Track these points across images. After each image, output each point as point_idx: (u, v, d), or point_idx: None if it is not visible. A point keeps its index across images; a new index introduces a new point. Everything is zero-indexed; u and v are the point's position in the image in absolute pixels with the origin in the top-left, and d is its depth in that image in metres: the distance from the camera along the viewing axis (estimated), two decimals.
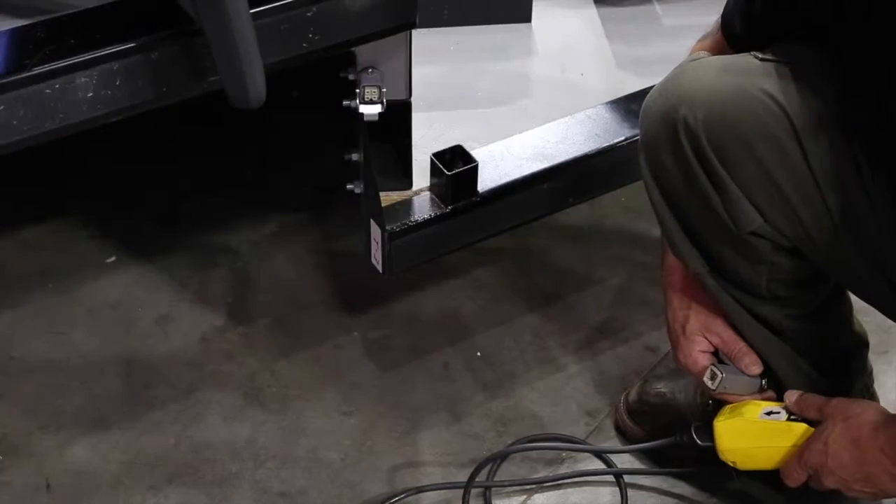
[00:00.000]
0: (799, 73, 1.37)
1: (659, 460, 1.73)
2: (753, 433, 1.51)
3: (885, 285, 1.43)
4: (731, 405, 1.55)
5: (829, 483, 1.44)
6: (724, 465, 1.55)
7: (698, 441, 1.56)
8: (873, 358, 1.70)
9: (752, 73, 1.38)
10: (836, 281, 1.53)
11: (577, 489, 1.72)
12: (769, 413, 1.51)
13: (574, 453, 1.75)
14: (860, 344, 1.66)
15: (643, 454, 1.73)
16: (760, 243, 1.43)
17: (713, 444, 1.54)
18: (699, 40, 1.55)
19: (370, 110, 1.63)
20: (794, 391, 1.50)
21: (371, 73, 1.58)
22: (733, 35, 1.46)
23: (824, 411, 1.45)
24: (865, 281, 1.44)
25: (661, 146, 1.41)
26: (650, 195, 1.47)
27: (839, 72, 1.37)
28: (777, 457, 1.50)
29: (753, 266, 1.47)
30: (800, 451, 1.46)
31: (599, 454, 1.74)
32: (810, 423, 1.47)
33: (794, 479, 1.48)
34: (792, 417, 1.49)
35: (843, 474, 1.41)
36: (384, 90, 1.62)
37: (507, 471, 1.73)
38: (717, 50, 1.49)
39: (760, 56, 1.39)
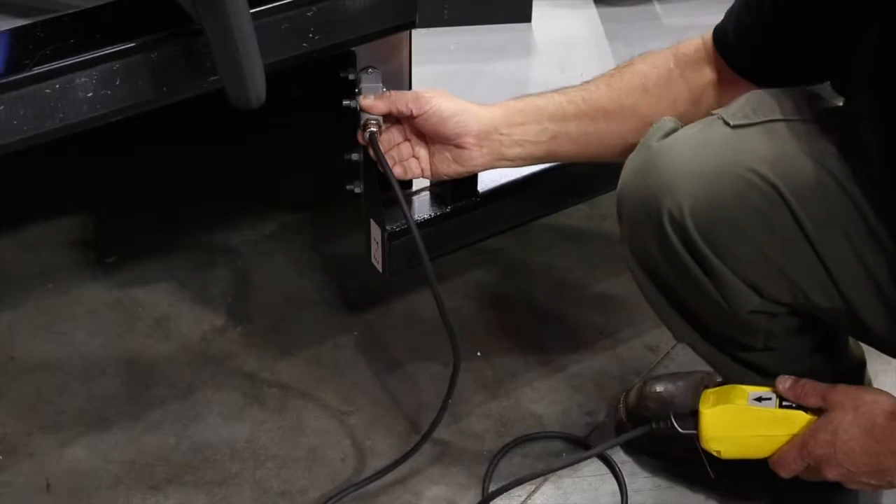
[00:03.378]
0: (778, 133, 1.33)
1: (659, 460, 1.73)
2: (744, 421, 1.42)
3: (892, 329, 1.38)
4: (713, 389, 1.47)
5: (832, 475, 1.37)
6: (705, 453, 1.47)
7: (679, 429, 1.46)
8: (873, 358, 1.69)
9: (729, 147, 1.33)
10: (836, 328, 1.49)
11: (577, 489, 1.72)
12: (759, 399, 1.42)
13: (574, 453, 1.75)
14: (858, 365, 1.63)
15: (643, 454, 1.73)
16: (757, 317, 1.41)
17: (696, 431, 1.44)
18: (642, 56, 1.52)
19: None
20: (787, 376, 1.43)
21: (371, 72, 1.58)
22: (726, 45, 1.44)
23: (829, 399, 1.38)
24: (870, 328, 1.40)
25: (646, 237, 1.38)
26: (637, 280, 1.45)
27: (824, 119, 1.33)
28: (769, 446, 1.42)
29: (749, 335, 1.45)
30: (801, 441, 1.39)
31: (601, 455, 1.73)
32: (806, 410, 1.40)
33: (790, 471, 1.41)
34: (784, 404, 1.41)
35: (851, 466, 1.35)
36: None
37: (506, 471, 1.72)
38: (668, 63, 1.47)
39: (732, 122, 1.34)
